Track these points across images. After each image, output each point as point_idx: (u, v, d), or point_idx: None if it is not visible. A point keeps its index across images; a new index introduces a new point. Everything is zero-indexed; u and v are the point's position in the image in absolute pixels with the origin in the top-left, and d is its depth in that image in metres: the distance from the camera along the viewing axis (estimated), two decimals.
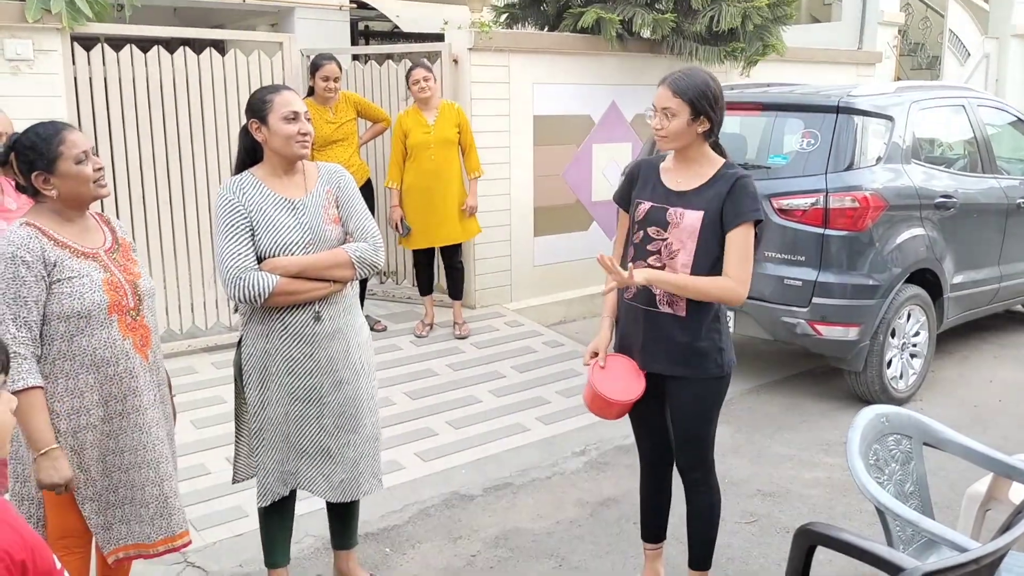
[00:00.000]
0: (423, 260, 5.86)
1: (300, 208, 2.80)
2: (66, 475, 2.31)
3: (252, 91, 5.41)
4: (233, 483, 3.06)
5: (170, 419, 2.66)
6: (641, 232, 2.74)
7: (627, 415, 2.86)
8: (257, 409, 2.86)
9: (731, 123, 5.53)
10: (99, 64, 4.84)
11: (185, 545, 2.65)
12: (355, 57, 6.74)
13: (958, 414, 4.97)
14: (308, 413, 2.85)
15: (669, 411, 2.83)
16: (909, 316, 5.09)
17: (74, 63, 4.76)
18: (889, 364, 5.01)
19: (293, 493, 3.05)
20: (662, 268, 2.70)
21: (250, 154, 2.88)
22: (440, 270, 6.05)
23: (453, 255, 5.84)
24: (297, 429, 2.86)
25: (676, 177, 2.74)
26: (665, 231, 2.69)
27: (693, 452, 2.84)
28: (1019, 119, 6.13)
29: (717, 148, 2.75)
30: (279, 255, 2.74)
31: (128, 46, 4.91)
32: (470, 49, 6.15)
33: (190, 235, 5.32)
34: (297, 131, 2.75)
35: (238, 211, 2.72)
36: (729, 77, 7.69)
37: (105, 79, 4.87)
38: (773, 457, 4.41)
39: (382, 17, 9.41)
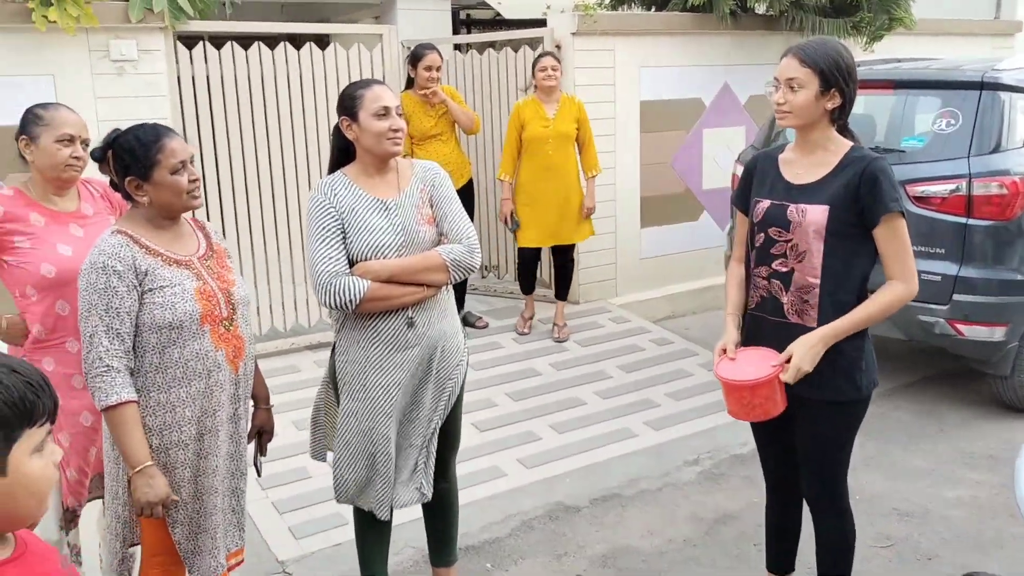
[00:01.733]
0: (529, 257, 5.61)
1: (393, 208, 2.64)
2: (162, 493, 2.22)
3: (343, 85, 5.41)
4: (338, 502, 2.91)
5: (242, 435, 2.53)
6: (762, 235, 2.45)
7: (761, 425, 2.53)
8: (349, 417, 2.73)
9: (857, 103, 5.10)
10: (201, 62, 4.84)
11: (239, 564, 2.56)
12: (456, 47, 6.58)
13: None
14: (393, 420, 2.71)
15: (797, 435, 2.52)
16: None
17: (177, 62, 4.77)
18: None
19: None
20: (790, 273, 2.40)
21: (344, 153, 2.74)
22: (545, 268, 5.84)
23: (564, 253, 5.60)
24: (385, 437, 2.72)
25: (796, 168, 2.43)
26: (788, 231, 2.39)
27: (823, 480, 2.54)
28: None
29: (845, 133, 2.43)
30: (371, 258, 2.60)
31: (229, 43, 4.88)
32: (573, 34, 5.89)
33: (293, 232, 5.28)
34: (388, 127, 2.60)
35: (329, 213, 2.59)
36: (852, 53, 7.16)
37: (207, 77, 4.86)
38: (909, 472, 4.01)
39: (484, 5, 9.24)
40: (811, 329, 2.37)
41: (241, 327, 2.40)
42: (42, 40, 4.24)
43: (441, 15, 8.59)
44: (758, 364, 2.39)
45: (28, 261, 2.56)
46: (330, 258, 2.56)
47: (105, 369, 2.19)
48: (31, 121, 2.64)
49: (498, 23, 9.36)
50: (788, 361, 2.35)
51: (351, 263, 2.61)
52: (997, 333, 4.33)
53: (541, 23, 6.24)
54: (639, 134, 6.33)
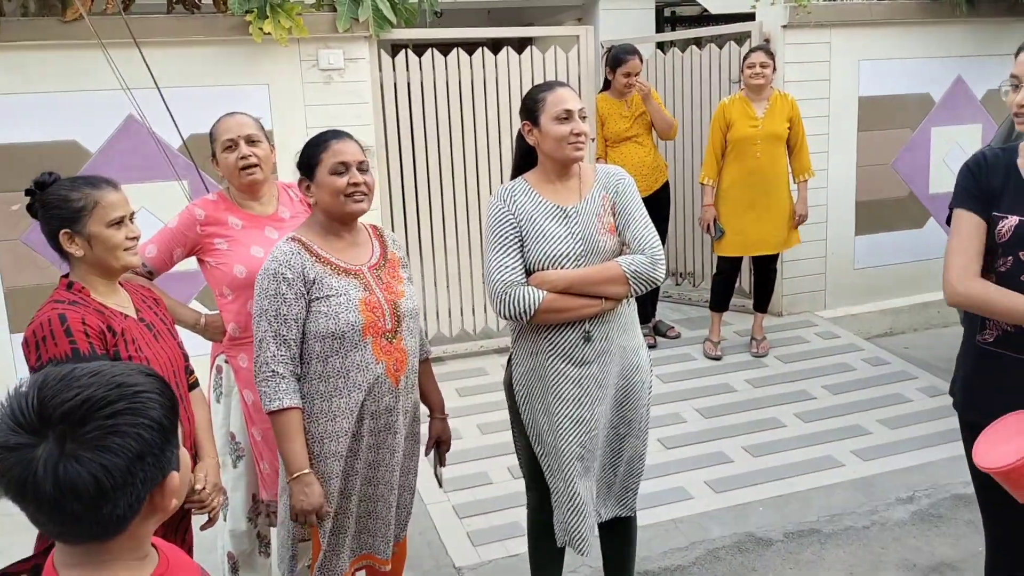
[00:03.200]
0: (727, 269, 5.24)
1: (573, 216, 2.52)
2: (316, 503, 2.24)
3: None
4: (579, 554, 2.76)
5: (398, 448, 2.48)
6: (1010, 258, 2.05)
7: None
8: (531, 432, 2.63)
9: None
10: (403, 69, 4.96)
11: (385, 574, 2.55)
12: (658, 45, 6.36)
13: None
14: (573, 438, 2.57)
15: None
16: None
17: (380, 70, 4.91)
18: None
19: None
20: None
21: (526, 158, 2.66)
22: (744, 276, 5.46)
23: (768, 263, 5.21)
24: (562, 457, 2.59)
25: None
26: None
27: None
28: None
29: None
30: (548, 267, 2.49)
31: (429, 50, 4.97)
32: (784, 27, 5.50)
33: (485, 234, 5.30)
34: (570, 131, 2.48)
35: (507, 221, 2.51)
36: None
37: (408, 84, 4.97)
38: None
39: (689, 1, 8.93)
40: None
41: (405, 340, 2.38)
42: (257, 51, 4.50)
43: (644, 14, 8.36)
44: (1016, 433, 1.99)
45: (224, 262, 2.67)
46: (506, 267, 2.48)
47: (271, 374, 2.24)
48: (209, 141, 2.77)
49: (704, 19, 9.00)
50: None
51: (528, 272, 2.52)
52: None
53: (749, 17, 5.88)
54: (856, 133, 5.82)
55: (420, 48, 5.05)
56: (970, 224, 2.18)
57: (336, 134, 2.36)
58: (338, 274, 2.31)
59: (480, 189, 5.23)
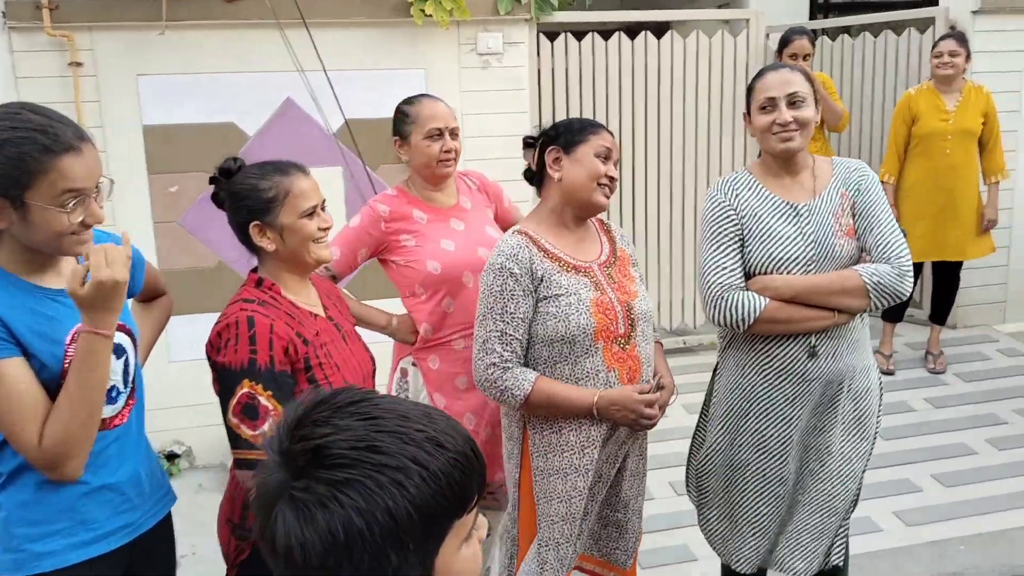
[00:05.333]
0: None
1: (805, 215, 2.23)
2: (632, 402, 2.07)
3: (712, 75, 5.04)
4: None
5: (642, 474, 2.26)
6: None
7: None
8: (716, 453, 2.37)
9: None
10: (561, 54, 4.72)
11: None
12: (823, 31, 5.92)
13: None
14: (776, 470, 2.30)
15: None
16: None
17: (538, 55, 4.69)
18: None
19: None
20: None
21: None
22: (924, 287, 5.00)
23: (951, 270, 4.76)
24: (760, 487, 2.32)
25: None
26: None
27: None
28: None
29: None
30: (772, 271, 2.20)
31: (590, 34, 4.72)
32: (974, 12, 5.01)
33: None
34: (771, 121, 2.21)
35: (728, 216, 2.24)
36: None
37: (567, 69, 4.74)
38: None
39: None
40: None
41: (639, 346, 2.14)
42: (417, 34, 4.34)
43: None
44: None
45: (415, 259, 2.49)
46: (724, 268, 2.21)
47: (503, 368, 2.05)
48: (400, 120, 2.57)
49: (864, 5, 8.42)
50: None
51: (747, 275, 2.24)
52: None
53: (929, 2, 5.39)
54: None
55: (578, 34, 4.80)
56: None
57: (599, 125, 2.20)
58: (567, 271, 2.09)
59: (648, 181, 4.98)
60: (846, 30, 5.70)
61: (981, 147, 4.55)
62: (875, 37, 5.47)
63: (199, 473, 4.09)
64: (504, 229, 2.72)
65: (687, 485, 2.56)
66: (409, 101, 2.58)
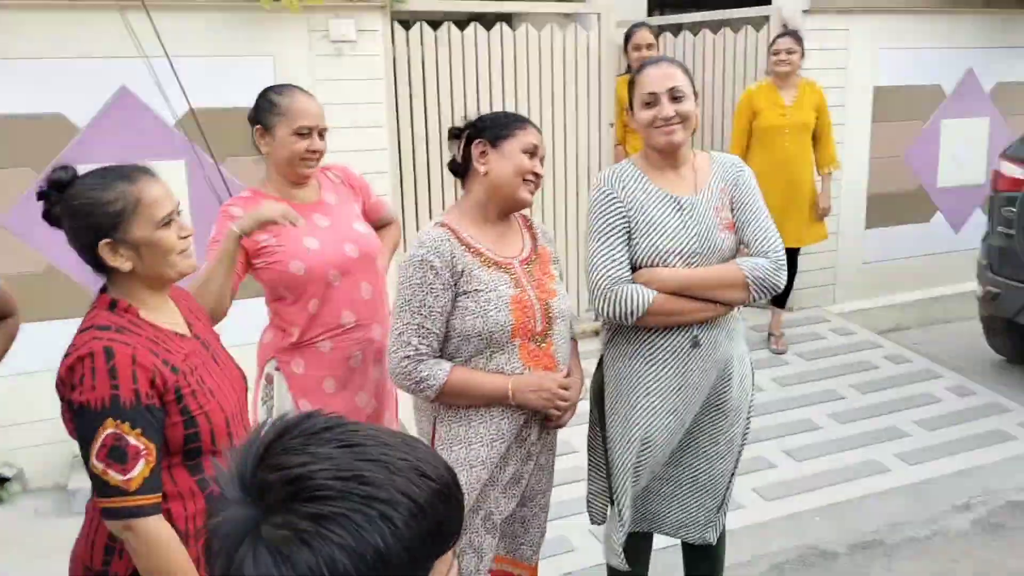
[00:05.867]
0: None
1: (687, 208, 2.26)
2: (547, 383, 2.06)
3: (566, 67, 5.08)
4: (592, 523, 2.59)
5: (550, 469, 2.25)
6: None
7: None
8: (615, 441, 2.38)
9: None
10: (417, 43, 4.62)
11: None
12: (662, 28, 6.10)
13: None
14: (665, 449, 2.34)
15: None
16: None
17: (393, 43, 4.56)
18: None
19: (649, 540, 2.58)
20: None
21: None
22: None
23: (792, 256, 5.05)
24: (652, 465, 2.36)
25: None
26: None
27: None
28: None
29: None
30: (657, 264, 2.23)
31: (446, 24, 4.64)
32: (805, 12, 5.31)
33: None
34: (654, 116, 2.23)
35: (616, 209, 2.24)
36: None
37: (423, 59, 4.64)
38: None
39: None
40: None
41: (555, 344, 2.11)
42: (264, 19, 4.11)
43: None
44: None
45: (277, 260, 2.34)
46: (613, 261, 2.21)
47: (418, 360, 2.00)
48: (266, 109, 2.40)
49: (697, 3, 8.78)
50: None
51: (633, 267, 2.25)
52: None
53: (755, 1, 5.66)
54: (870, 124, 5.68)
55: (434, 22, 4.71)
56: None
57: (531, 122, 2.16)
58: (488, 267, 2.05)
59: None
60: (689, 26, 5.90)
61: (815, 140, 4.84)
62: (714, 34, 5.71)
63: (34, 497, 3.70)
64: (372, 224, 2.62)
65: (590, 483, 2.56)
66: (279, 91, 2.42)
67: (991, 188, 4.85)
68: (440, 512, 0.75)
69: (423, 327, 1.99)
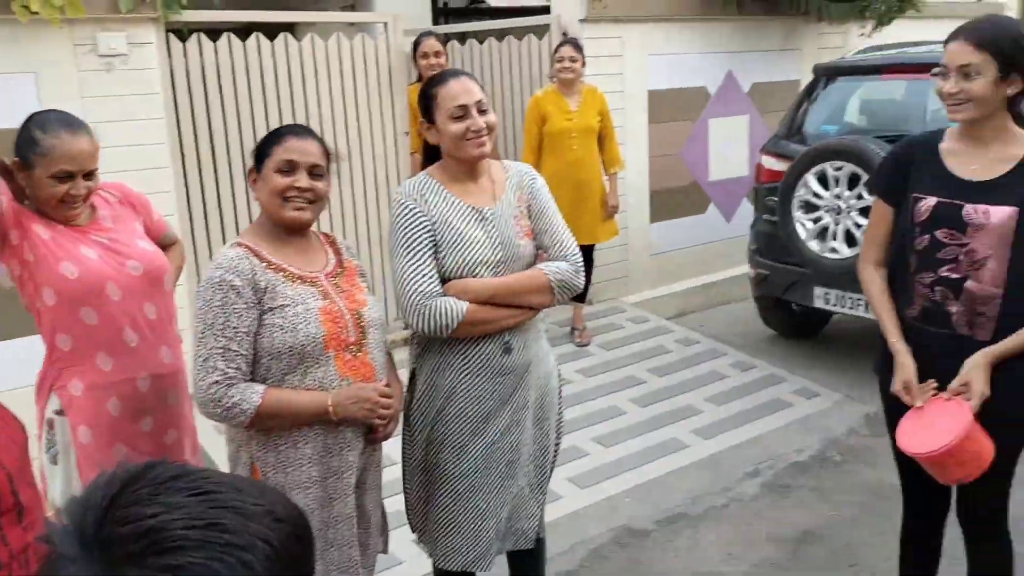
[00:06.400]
0: None
1: (490, 219, 2.31)
2: (365, 394, 2.04)
3: (356, 76, 5.04)
4: (414, 532, 2.59)
5: (378, 484, 2.23)
6: (927, 236, 2.17)
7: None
8: (431, 456, 2.40)
9: (895, 88, 4.92)
10: (196, 56, 4.41)
11: None
12: (448, 36, 6.21)
13: None
14: (490, 457, 2.39)
15: None
16: None
17: (170, 56, 4.33)
18: None
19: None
20: (961, 280, 2.14)
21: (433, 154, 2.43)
22: None
23: (588, 252, 5.29)
24: (475, 478, 2.40)
25: (967, 162, 2.16)
26: (963, 234, 2.12)
27: (989, 505, 2.30)
28: None
29: (1019, 120, 2.17)
30: (465, 275, 2.27)
31: (226, 35, 4.47)
32: (582, 20, 5.59)
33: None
34: (466, 128, 2.26)
35: (421, 223, 2.25)
36: (847, 40, 7.03)
37: (203, 71, 4.44)
38: None
39: None
40: (983, 342, 2.11)
41: (371, 353, 2.10)
42: (21, 33, 3.77)
43: (421, 2, 8.22)
44: (939, 417, 2.08)
45: (46, 255, 2.21)
46: (423, 275, 2.22)
47: (227, 385, 1.92)
48: (27, 143, 2.22)
49: (478, 12, 8.99)
50: (959, 393, 2.10)
51: (441, 280, 2.28)
52: None
53: (537, 11, 5.91)
54: (647, 125, 6.07)
55: (213, 34, 4.52)
56: (877, 213, 2.32)
57: (299, 130, 2.08)
58: (293, 281, 2.01)
59: None
60: (475, 35, 6.04)
61: (600, 143, 5.11)
62: (499, 42, 5.88)
63: None
64: (156, 243, 2.51)
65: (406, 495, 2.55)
66: (43, 126, 2.22)
67: (755, 180, 5.33)
68: (295, 553, 0.75)
69: (229, 350, 1.93)
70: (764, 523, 3.53)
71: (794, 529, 3.47)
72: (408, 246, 2.23)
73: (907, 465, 2.39)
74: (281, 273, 2.01)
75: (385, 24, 5.03)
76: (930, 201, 2.16)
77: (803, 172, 4.53)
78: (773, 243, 4.98)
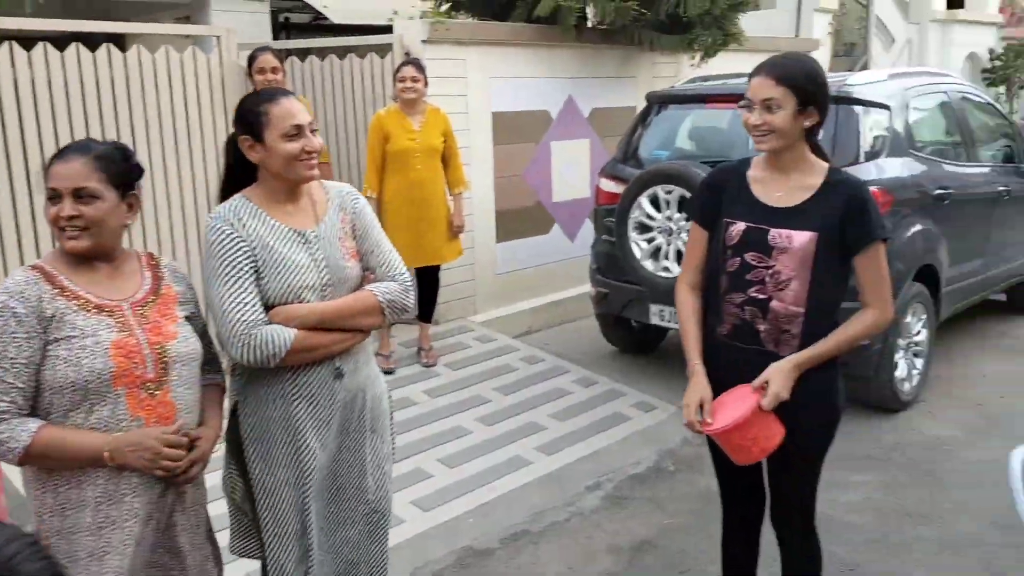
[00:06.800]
0: None
1: (313, 241, 2.25)
2: (148, 443, 1.89)
3: (187, 90, 4.84)
4: (242, 556, 2.47)
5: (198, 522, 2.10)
6: (737, 259, 2.29)
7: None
8: (264, 489, 2.30)
9: (719, 116, 5.20)
10: (7, 65, 4.11)
11: None
12: (289, 52, 6.08)
13: (968, 416, 4.78)
14: (324, 485, 2.33)
15: (772, 460, 2.40)
16: (912, 314, 4.86)
17: None
18: (895, 366, 4.76)
19: None
20: (767, 300, 2.27)
21: (239, 172, 2.30)
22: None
23: (431, 273, 5.26)
24: (308, 507, 2.32)
25: (772, 189, 2.30)
26: (769, 257, 2.25)
27: (800, 504, 2.45)
28: (988, 103, 6.03)
29: (816, 151, 2.34)
30: (291, 301, 2.19)
31: (41, 44, 4.18)
32: (424, 41, 5.61)
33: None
34: (301, 149, 2.18)
35: (240, 248, 2.14)
36: (680, 69, 7.40)
37: (16, 82, 4.13)
38: None
39: (304, 9, 8.73)
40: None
41: (174, 391, 1.96)
42: None
43: (259, 17, 8.01)
44: (734, 405, 2.25)
45: None
46: (245, 304, 2.11)
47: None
48: None
49: (318, 28, 8.86)
50: (762, 389, 2.24)
51: (265, 307, 2.19)
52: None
53: (380, 29, 5.89)
54: (492, 146, 6.15)
55: (27, 42, 4.22)
56: (693, 236, 2.45)
57: (68, 152, 1.96)
58: (88, 311, 1.87)
59: None
60: (316, 52, 5.94)
61: (444, 163, 5.12)
62: (341, 59, 5.81)
63: None
64: None
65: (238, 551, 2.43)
66: None
67: (595, 202, 5.50)
68: None
69: (3, 381, 1.79)
70: (603, 535, 3.61)
71: (631, 539, 3.57)
72: (227, 273, 2.12)
73: (723, 468, 2.51)
74: (75, 301, 1.87)
75: (218, 38, 4.86)
76: (740, 226, 2.29)
77: (637, 195, 4.71)
78: (612, 263, 5.15)
